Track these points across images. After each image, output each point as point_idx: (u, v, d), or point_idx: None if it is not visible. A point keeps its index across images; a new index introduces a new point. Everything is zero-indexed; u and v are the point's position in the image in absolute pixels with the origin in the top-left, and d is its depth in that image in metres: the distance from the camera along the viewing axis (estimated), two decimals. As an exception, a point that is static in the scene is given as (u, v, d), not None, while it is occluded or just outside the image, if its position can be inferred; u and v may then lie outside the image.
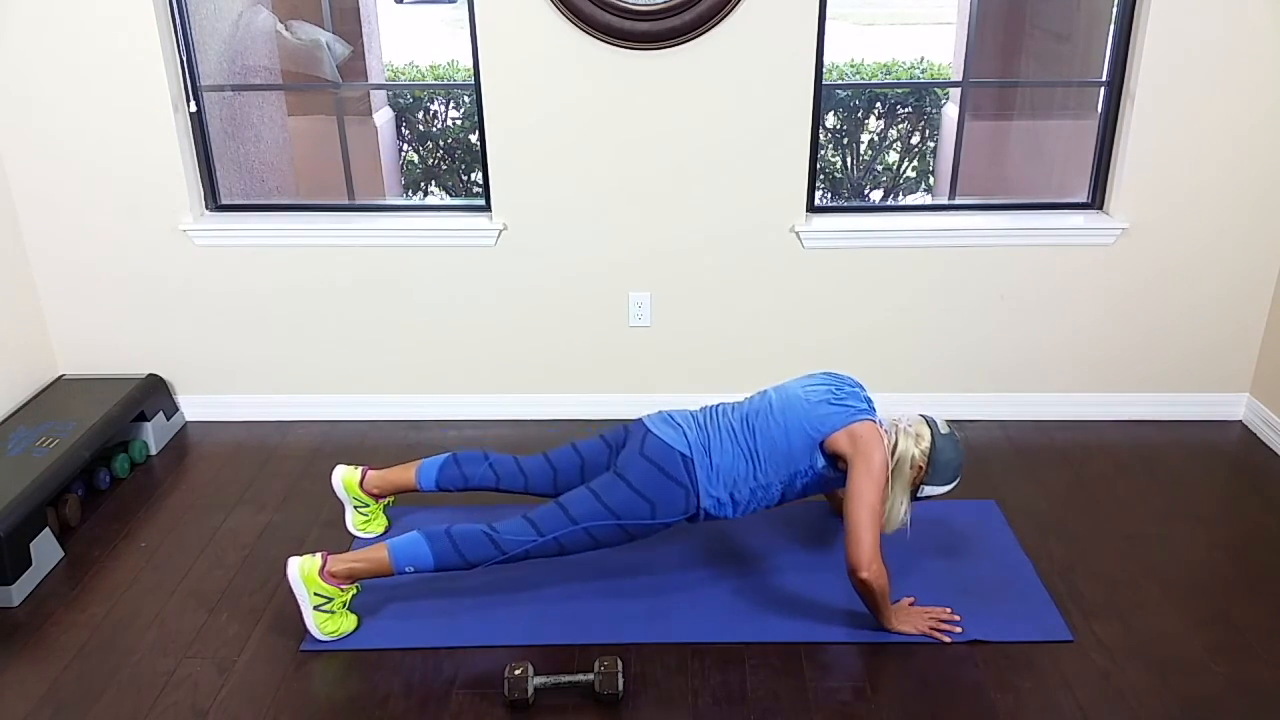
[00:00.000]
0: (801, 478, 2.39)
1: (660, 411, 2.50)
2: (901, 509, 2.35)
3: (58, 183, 3.12)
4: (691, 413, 2.49)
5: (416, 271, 3.23)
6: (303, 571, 2.29)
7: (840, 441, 2.32)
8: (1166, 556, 2.66)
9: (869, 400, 2.43)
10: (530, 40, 2.93)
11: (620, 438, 2.54)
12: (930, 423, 2.41)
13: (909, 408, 2.82)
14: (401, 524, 2.80)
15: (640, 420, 2.49)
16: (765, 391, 2.50)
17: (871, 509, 2.23)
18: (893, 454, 2.33)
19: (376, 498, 2.73)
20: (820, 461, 2.36)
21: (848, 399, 2.39)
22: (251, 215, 3.24)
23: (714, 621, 2.41)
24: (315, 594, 2.30)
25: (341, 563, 2.32)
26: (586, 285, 3.25)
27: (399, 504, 2.85)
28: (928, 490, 2.39)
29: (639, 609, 2.45)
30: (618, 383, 3.38)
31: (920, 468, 2.37)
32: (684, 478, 2.35)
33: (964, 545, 2.69)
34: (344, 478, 2.70)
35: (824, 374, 2.50)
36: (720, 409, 2.49)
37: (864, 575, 2.22)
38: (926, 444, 2.37)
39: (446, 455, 2.66)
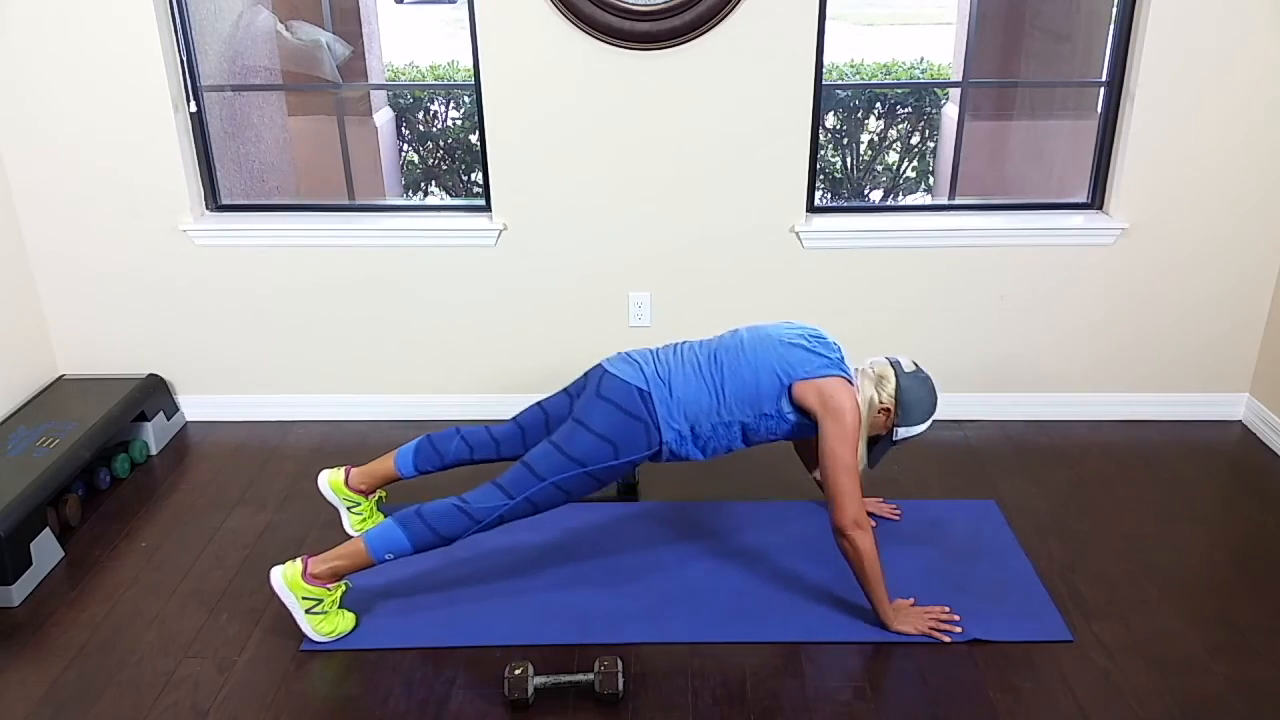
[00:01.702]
0: (767, 420, 2.37)
1: (619, 352, 2.49)
2: (861, 450, 2.34)
3: (58, 183, 3.12)
4: (653, 349, 2.48)
5: (417, 272, 3.23)
6: (286, 578, 2.30)
7: (809, 396, 2.31)
8: (1166, 556, 2.66)
9: (842, 356, 2.42)
10: (530, 40, 2.93)
11: (580, 384, 2.52)
12: (894, 364, 2.40)
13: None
14: (401, 524, 2.80)
15: (599, 363, 2.48)
16: (737, 330, 2.49)
17: (848, 469, 2.24)
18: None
19: (365, 494, 2.73)
20: (788, 408, 2.35)
21: (820, 348, 2.38)
22: (252, 215, 3.24)
23: (714, 621, 2.41)
24: (304, 598, 2.30)
25: (322, 563, 2.32)
26: (587, 285, 3.25)
27: (394, 499, 2.85)
28: (902, 433, 2.39)
29: (639, 609, 2.45)
30: (618, 383, 3.38)
31: (888, 409, 2.37)
32: (642, 412, 2.34)
33: (964, 545, 2.69)
34: (329, 480, 2.70)
35: (800, 324, 2.49)
36: (686, 344, 2.48)
37: (850, 533, 2.23)
38: (891, 386, 2.36)
39: (420, 438, 2.66)
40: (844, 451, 2.26)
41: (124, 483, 3.07)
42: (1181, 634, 2.37)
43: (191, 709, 2.17)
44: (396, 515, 2.34)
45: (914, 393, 2.37)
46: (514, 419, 2.62)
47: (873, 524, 2.43)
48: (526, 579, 2.56)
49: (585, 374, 2.52)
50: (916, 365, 2.42)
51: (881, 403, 2.36)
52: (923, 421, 2.40)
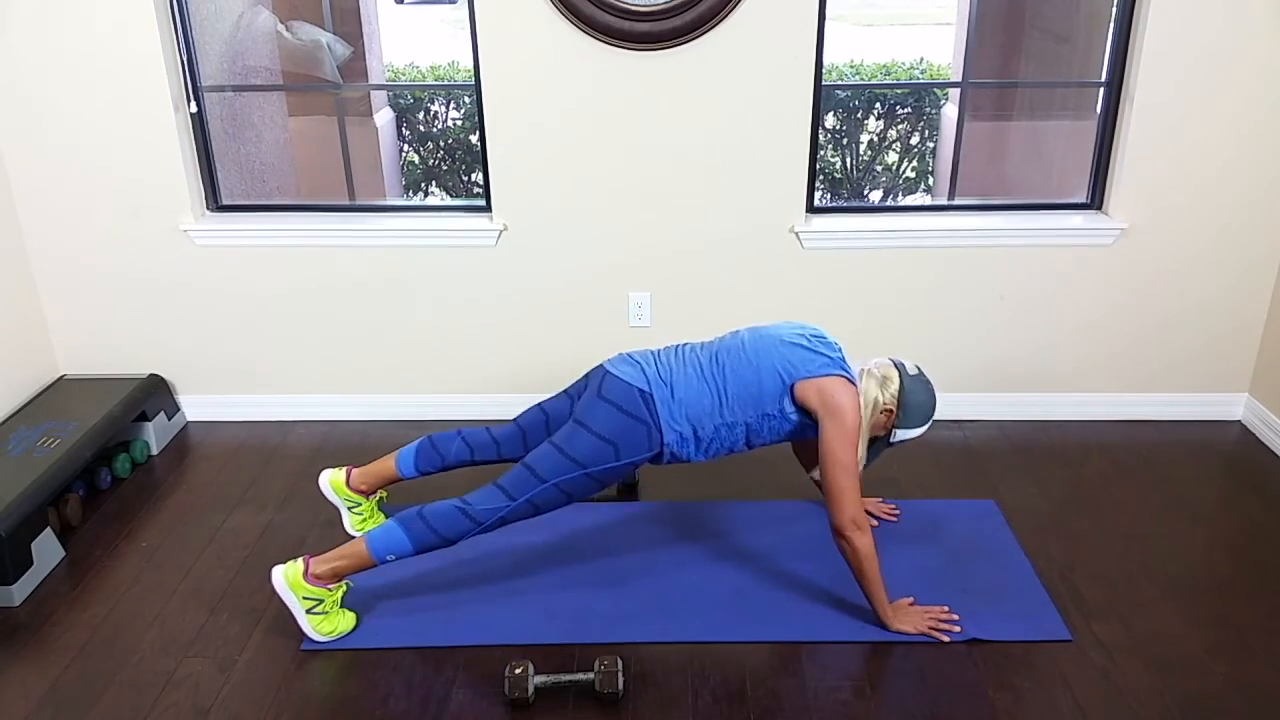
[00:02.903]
0: (770, 421, 2.37)
1: (620, 352, 2.49)
2: (861, 449, 2.35)
3: (58, 183, 3.12)
4: (655, 350, 2.48)
5: (417, 272, 3.23)
6: (287, 578, 2.30)
7: (810, 395, 2.31)
8: (1166, 556, 2.66)
9: (843, 356, 2.42)
10: (530, 40, 2.93)
11: (581, 386, 2.52)
12: (898, 365, 2.40)
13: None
14: (402, 524, 2.80)
15: (600, 364, 2.48)
16: (738, 331, 2.49)
17: (847, 469, 2.25)
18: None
19: (366, 494, 2.73)
20: (790, 408, 2.35)
21: (821, 347, 2.38)
22: (252, 215, 3.24)
23: (714, 621, 2.41)
24: (304, 598, 2.31)
25: (323, 563, 2.32)
26: (587, 285, 3.25)
27: (395, 500, 2.85)
28: (900, 435, 2.40)
29: (639, 609, 2.45)
30: (618, 383, 3.38)
31: (890, 410, 2.37)
32: (644, 414, 2.34)
33: (964, 545, 2.69)
34: (330, 480, 2.71)
35: (801, 324, 2.49)
36: (688, 346, 2.48)
37: (848, 534, 2.23)
38: (895, 387, 2.37)
39: (422, 439, 2.66)
40: (843, 451, 2.26)
41: (125, 482, 3.07)
42: (1181, 634, 2.37)
43: (192, 709, 2.17)
44: (398, 516, 2.34)
45: (916, 395, 2.37)
46: (514, 420, 2.62)
47: (873, 523, 2.44)
48: (526, 579, 2.56)
49: (586, 375, 2.52)
50: (919, 369, 2.42)
51: (884, 403, 2.37)
52: (922, 424, 2.40)
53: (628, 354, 2.47)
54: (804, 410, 2.35)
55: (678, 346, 2.49)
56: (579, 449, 2.33)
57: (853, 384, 2.35)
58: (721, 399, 2.36)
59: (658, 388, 2.36)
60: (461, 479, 2.83)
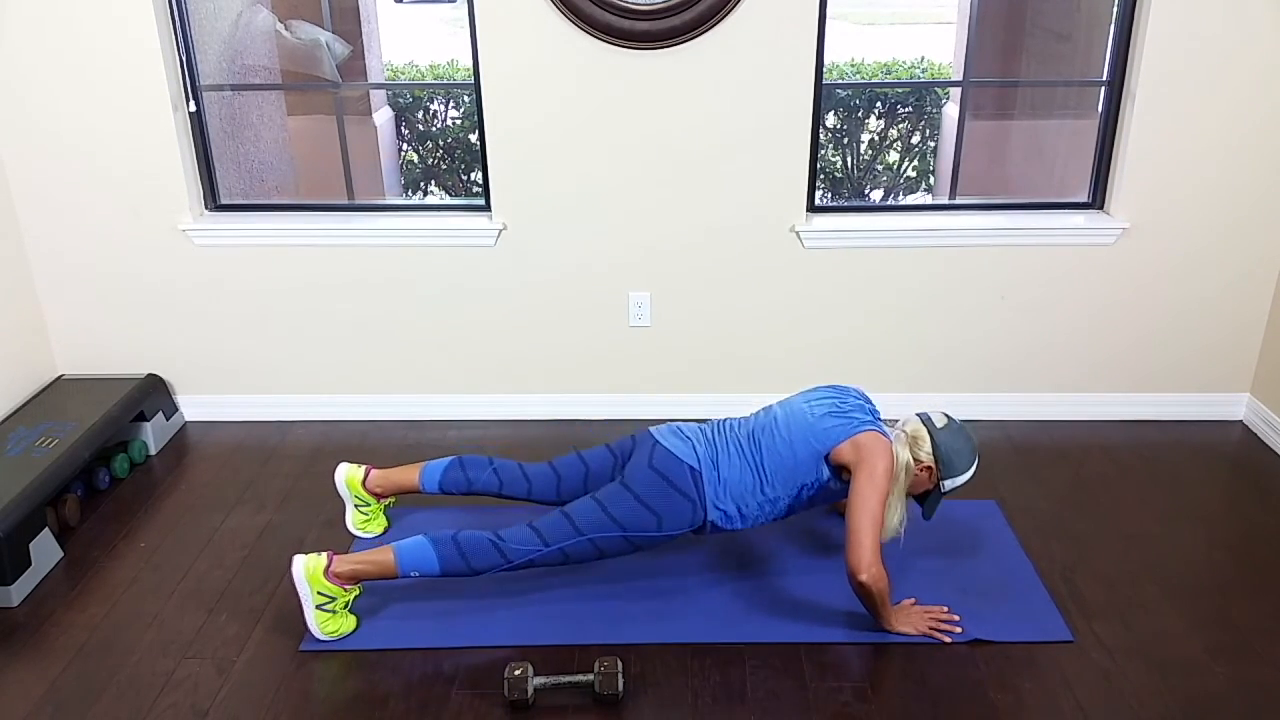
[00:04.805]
0: (808, 490, 2.39)
1: (669, 424, 2.50)
2: (896, 518, 2.36)
3: (58, 183, 3.12)
4: (700, 426, 2.49)
5: (416, 271, 3.23)
6: (308, 570, 2.29)
7: (845, 452, 2.33)
8: (1167, 556, 2.66)
9: (874, 411, 2.44)
10: (530, 40, 2.92)
11: (627, 447, 2.53)
12: (925, 420, 2.41)
13: (908, 408, 2.80)
14: (401, 524, 2.80)
15: (648, 431, 2.49)
16: (770, 408, 2.50)
17: (872, 514, 2.24)
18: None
19: (378, 497, 2.72)
20: (826, 473, 2.36)
21: (852, 411, 2.39)
22: (251, 215, 3.24)
23: (714, 621, 2.41)
24: (319, 593, 2.30)
25: (347, 564, 2.31)
26: (586, 285, 3.24)
27: (399, 504, 2.85)
28: (949, 484, 2.39)
29: (639, 609, 2.45)
30: (618, 383, 3.38)
31: (929, 468, 2.37)
32: (691, 490, 2.35)
33: (964, 545, 2.69)
34: (347, 475, 2.70)
35: (828, 387, 2.51)
36: (727, 423, 2.49)
37: (863, 578, 2.22)
38: (927, 445, 2.37)
39: (451, 459, 2.65)
40: (870, 495, 2.25)
41: (123, 483, 3.07)
42: (1182, 634, 2.37)
43: (191, 709, 2.16)
44: (431, 536, 2.34)
45: (951, 445, 2.37)
46: (550, 462, 2.61)
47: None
48: (527, 579, 2.55)
49: (632, 437, 2.53)
50: (948, 417, 2.42)
51: (920, 462, 2.37)
52: (967, 470, 2.40)
53: (677, 426, 2.48)
54: (840, 469, 2.36)
55: (718, 423, 2.50)
56: (621, 510, 2.34)
57: (886, 438, 2.35)
58: (761, 476, 2.38)
59: (706, 468, 2.37)
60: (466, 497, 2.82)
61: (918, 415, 2.44)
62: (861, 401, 2.45)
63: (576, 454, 2.59)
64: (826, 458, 2.35)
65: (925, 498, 2.45)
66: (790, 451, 2.36)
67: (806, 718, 2.12)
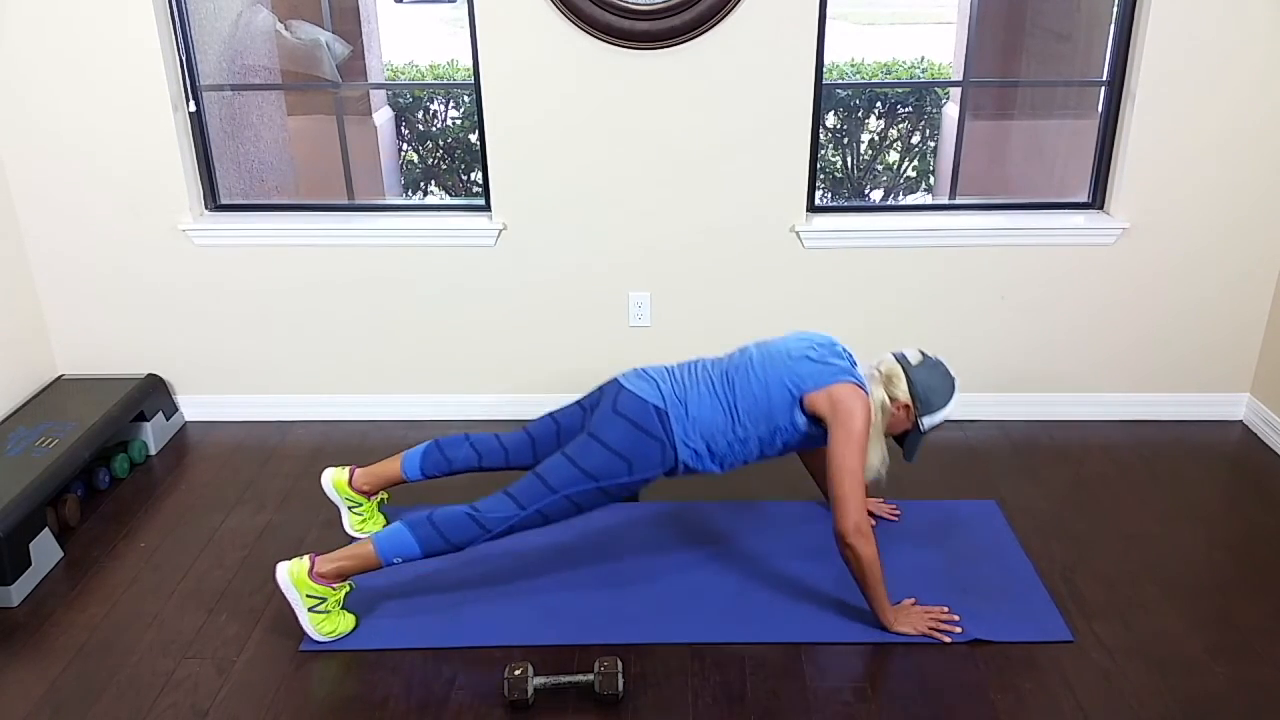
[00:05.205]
0: (782, 434, 2.37)
1: (635, 368, 2.49)
2: (877, 458, 2.35)
3: (58, 183, 3.12)
4: (667, 366, 2.48)
5: (416, 271, 3.23)
6: (292, 575, 2.29)
7: (820, 403, 2.31)
8: (1167, 556, 2.66)
9: (852, 360, 2.42)
10: (530, 40, 2.92)
11: (594, 399, 2.52)
12: (900, 359, 2.40)
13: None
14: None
15: (614, 378, 2.47)
16: (746, 347, 2.49)
17: (854, 475, 2.24)
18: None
19: (368, 495, 2.72)
20: (801, 419, 2.35)
21: (830, 357, 2.38)
22: (251, 215, 3.24)
23: (714, 621, 2.41)
24: (308, 595, 2.30)
25: (329, 562, 2.31)
26: (586, 285, 3.24)
27: (395, 503, 2.84)
28: (928, 421, 2.39)
29: (639, 609, 2.45)
30: (618, 383, 3.37)
31: (906, 406, 2.37)
32: (659, 430, 2.34)
33: (964, 545, 2.69)
34: (333, 479, 2.70)
35: (808, 333, 2.49)
36: (700, 363, 2.48)
37: (850, 540, 2.22)
38: (903, 383, 2.36)
39: (428, 443, 2.65)
40: (850, 457, 2.25)
41: (123, 483, 3.07)
42: (1182, 634, 2.37)
43: (191, 709, 2.16)
44: (406, 519, 2.33)
45: (928, 381, 2.36)
46: (525, 428, 2.61)
47: (872, 523, 2.43)
48: (527, 579, 2.55)
49: (600, 388, 2.51)
50: (923, 353, 2.41)
51: (897, 400, 2.36)
52: (945, 405, 2.38)
53: (642, 369, 2.46)
54: (815, 419, 2.35)
55: (690, 363, 2.49)
56: (592, 462, 2.33)
57: (862, 389, 2.34)
58: (733, 415, 2.36)
59: (673, 405, 2.36)
60: (464, 482, 2.83)
61: (892, 354, 2.43)
62: (839, 348, 2.42)
63: (549, 415, 2.59)
64: (801, 404, 2.34)
65: (904, 439, 2.45)
66: (764, 392, 2.35)
67: (806, 718, 2.12)
